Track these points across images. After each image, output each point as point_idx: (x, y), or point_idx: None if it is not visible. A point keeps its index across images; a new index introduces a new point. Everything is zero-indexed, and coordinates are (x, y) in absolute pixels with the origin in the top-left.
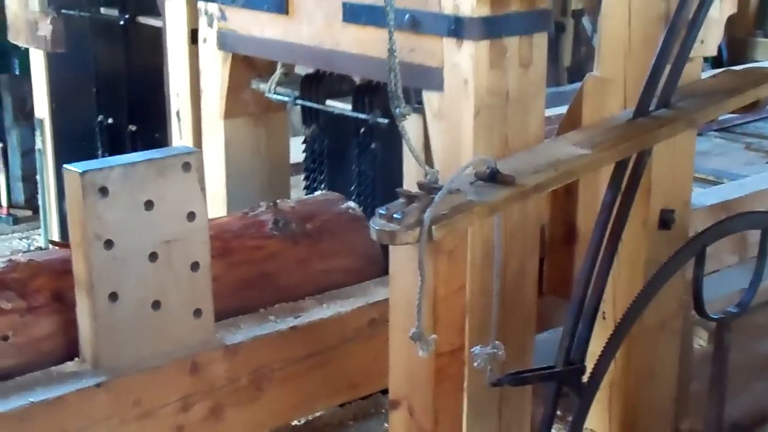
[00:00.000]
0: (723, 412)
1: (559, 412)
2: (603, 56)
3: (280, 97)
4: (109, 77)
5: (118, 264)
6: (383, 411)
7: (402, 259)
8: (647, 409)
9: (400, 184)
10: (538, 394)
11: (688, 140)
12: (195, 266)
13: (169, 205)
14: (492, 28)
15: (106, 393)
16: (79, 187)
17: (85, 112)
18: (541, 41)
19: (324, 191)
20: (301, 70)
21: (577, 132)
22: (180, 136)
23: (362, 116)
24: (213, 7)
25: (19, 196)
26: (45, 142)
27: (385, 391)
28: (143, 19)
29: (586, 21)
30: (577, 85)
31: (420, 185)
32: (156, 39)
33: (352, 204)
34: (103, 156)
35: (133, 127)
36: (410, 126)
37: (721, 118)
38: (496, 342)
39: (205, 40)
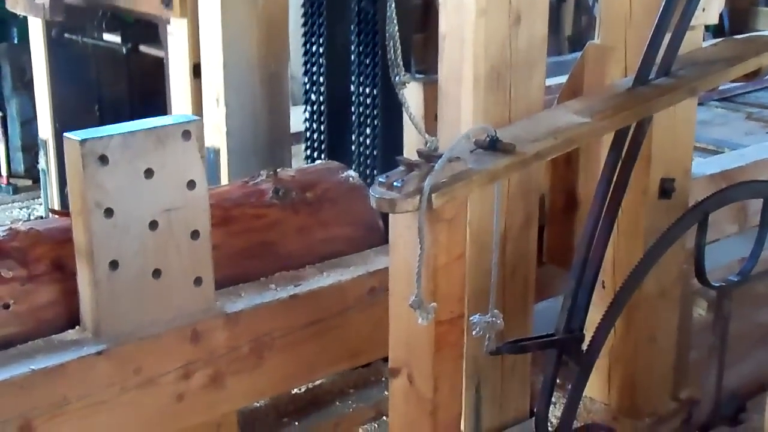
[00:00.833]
0: (722, 380)
1: (558, 381)
2: (604, 24)
3: None
4: (111, 103)
5: (119, 232)
6: (383, 379)
7: (402, 227)
8: (646, 378)
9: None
10: (537, 363)
11: (688, 109)
12: (195, 234)
13: (169, 174)
14: None
15: (106, 361)
16: (79, 155)
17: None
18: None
19: (324, 160)
20: None
21: (578, 100)
22: None
23: None
24: None
25: (19, 166)
26: (49, 163)
27: (385, 359)
28: (145, 49)
29: None
30: (578, 54)
31: (420, 153)
32: (158, 67)
33: (352, 173)
34: None
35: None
36: (410, 94)
37: (722, 87)
38: (495, 310)
39: None
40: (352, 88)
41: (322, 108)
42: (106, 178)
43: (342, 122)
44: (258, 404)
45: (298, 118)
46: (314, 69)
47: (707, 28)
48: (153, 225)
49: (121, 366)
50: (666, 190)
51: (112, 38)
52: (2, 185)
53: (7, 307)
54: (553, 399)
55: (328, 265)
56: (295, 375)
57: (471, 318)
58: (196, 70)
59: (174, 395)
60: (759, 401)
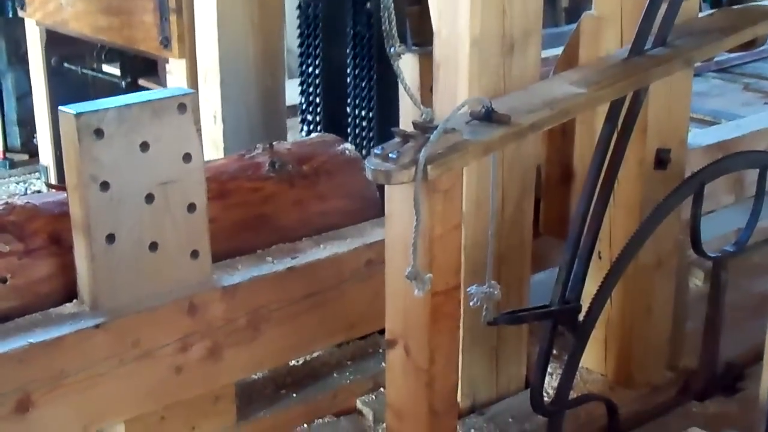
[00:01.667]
0: (718, 350)
1: (555, 351)
2: None
3: None
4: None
5: (115, 206)
6: (381, 351)
7: (397, 198)
8: (643, 348)
9: None
10: (534, 334)
11: (684, 79)
12: (191, 207)
13: (164, 147)
14: None
15: (104, 334)
16: (74, 129)
17: None
18: None
19: (320, 133)
20: None
21: (573, 71)
22: None
23: None
24: None
25: (15, 140)
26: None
27: (382, 331)
28: (144, 82)
29: None
30: (574, 25)
31: (415, 124)
32: None
33: (348, 145)
34: None
35: None
36: (405, 66)
37: (719, 58)
38: (492, 281)
39: None
40: (348, 60)
41: (318, 81)
42: (102, 152)
43: (338, 95)
44: (256, 376)
45: (293, 91)
46: (309, 41)
47: None
48: (149, 198)
49: (119, 339)
50: (662, 160)
51: (112, 70)
52: None
53: (4, 281)
54: (550, 370)
55: (325, 237)
56: (293, 347)
57: (468, 289)
58: None
59: (172, 368)
60: (755, 371)
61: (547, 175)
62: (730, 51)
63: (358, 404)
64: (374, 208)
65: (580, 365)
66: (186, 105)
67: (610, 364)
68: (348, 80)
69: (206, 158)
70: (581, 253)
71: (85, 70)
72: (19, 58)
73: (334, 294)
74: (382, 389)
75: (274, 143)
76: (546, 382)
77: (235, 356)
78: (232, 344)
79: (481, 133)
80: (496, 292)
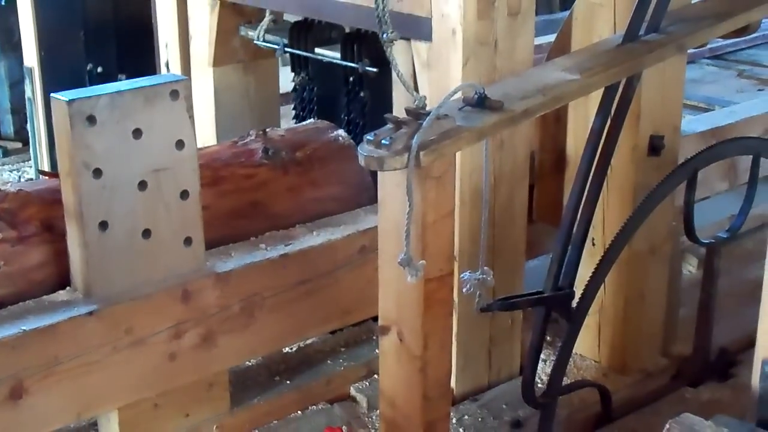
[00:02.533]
0: (711, 336)
1: (548, 338)
2: None
3: (268, 45)
4: (97, 26)
5: (108, 193)
6: (374, 337)
7: (390, 185)
8: (636, 334)
9: None
10: (528, 321)
11: (677, 65)
12: (184, 194)
13: (157, 134)
14: None
15: (98, 321)
16: (67, 115)
17: (74, 60)
18: None
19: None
20: (290, 17)
21: (566, 57)
22: None
23: (351, 65)
24: None
25: (9, 128)
26: (35, 91)
27: (376, 318)
28: None
29: None
30: (567, 12)
31: (408, 111)
32: None
33: (342, 132)
34: None
35: (122, 76)
36: (399, 53)
37: (713, 45)
38: (485, 268)
39: None
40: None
41: (311, 67)
42: (94, 139)
43: (331, 82)
44: (249, 363)
45: (287, 79)
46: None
47: None
48: (142, 185)
49: (113, 326)
50: (655, 147)
51: None
52: None
53: None
54: (543, 357)
55: (319, 224)
56: (287, 334)
57: (461, 275)
58: None
59: (165, 355)
60: (747, 357)
61: (541, 161)
62: (724, 37)
63: (352, 391)
64: (368, 195)
65: (573, 352)
66: (179, 92)
67: (604, 351)
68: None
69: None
70: (574, 240)
71: None
72: (12, 45)
73: (327, 281)
74: (375, 376)
75: (267, 130)
76: (539, 368)
77: (228, 343)
78: (225, 331)
79: (474, 120)
80: (489, 279)
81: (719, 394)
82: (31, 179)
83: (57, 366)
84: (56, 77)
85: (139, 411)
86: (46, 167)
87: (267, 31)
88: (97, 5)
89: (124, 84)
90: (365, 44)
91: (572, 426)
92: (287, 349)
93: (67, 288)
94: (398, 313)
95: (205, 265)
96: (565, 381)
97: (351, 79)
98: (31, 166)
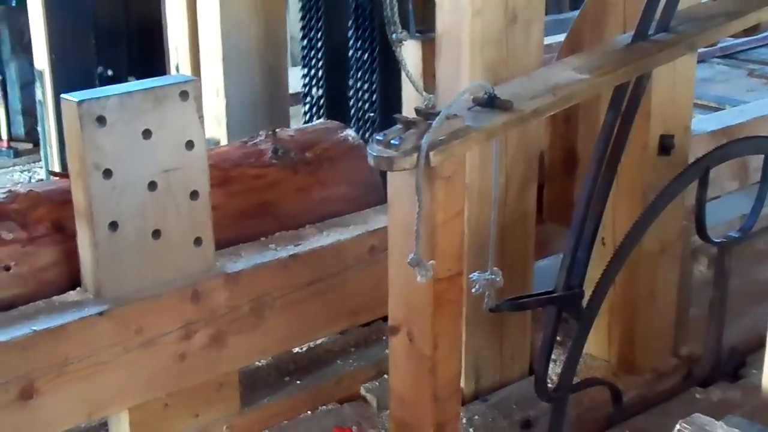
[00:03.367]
0: (722, 336)
1: (558, 338)
2: None
3: None
4: (108, 28)
5: (118, 193)
6: (384, 337)
7: (400, 185)
8: (647, 334)
9: None
10: (538, 321)
11: (688, 64)
12: (194, 195)
13: (167, 134)
14: None
15: (108, 321)
16: (77, 116)
17: (84, 63)
18: None
19: (323, 120)
20: None
21: (576, 57)
22: None
23: None
24: None
25: (19, 129)
26: (45, 94)
27: (386, 318)
28: None
29: None
30: (577, 11)
31: (417, 111)
32: None
33: (351, 132)
34: None
35: (132, 79)
36: (408, 52)
37: (724, 44)
38: (495, 268)
39: None
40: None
41: (321, 67)
42: (104, 139)
43: (340, 82)
44: (259, 363)
45: (296, 79)
46: (312, 26)
47: None
48: (152, 186)
49: (123, 326)
50: (665, 146)
51: None
52: (2, 149)
53: (7, 269)
54: (554, 357)
55: (328, 224)
56: (296, 334)
57: (470, 275)
58: None
59: (175, 355)
60: (758, 357)
61: (550, 161)
62: (734, 36)
63: (362, 391)
64: (377, 195)
65: (583, 351)
66: (188, 92)
67: (614, 351)
68: (351, 64)
69: (209, 135)
70: (585, 239)
71: None
72: (22, 47)
73: (337, 281)
74: (385, 376)
75: (276, 130)
76: (550, 369)
77: (238, 343)
78: (235, 331)
79: (483, 119)
80: (498, 279)
81: (730, 394)
82: (42, 180)
83: (67, 366)
84: (67, 80)
85: (149, 411)
86: (57, 168)
87: None
88: (108, 8)
89: (133, 85)
90: None
91: (582, 425)
92: (297, 349)
93: (78, 288)
94: (408, 313)
95: (215, 266)
96: (575, 381)
97: None
98: (41, 167)
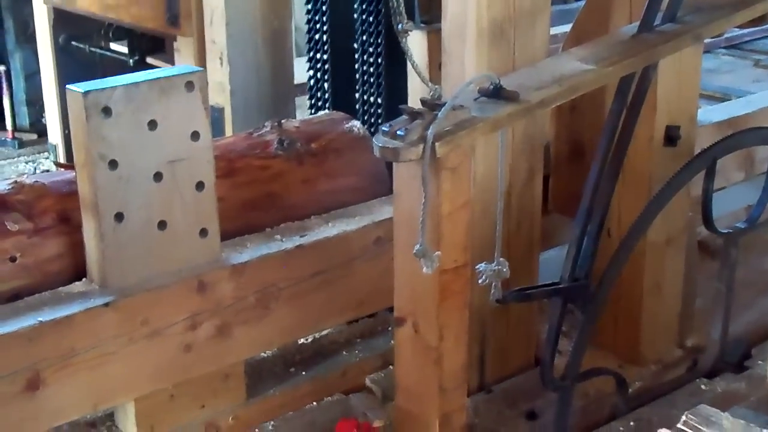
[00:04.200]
0: (728, 327)
1: (564, 329)
2: None
3: None
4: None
5: (123, 184)
6: (390, 328)
7: (406, 176)
8: (652, 326)
9: None
10: (544, 312)
11: (693, 55)
12: (200, 186)
13: (172, 125)
14: None
15: (114, 312)
16: (82, 107)
17: None
18: None
19: (328, 111)
20: None
21: (582, 47)
22: None
23: None
24: None
25: (24, 120)
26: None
27: (391, 309)
28: (152, 60)
29: None
30: (583, 2)
31: (423, 102)
32: None
33: (357, 123)
34: None
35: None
36: (414, 43)
37: (729, 35)
38: (501, 259)
39: None
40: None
41: (326, 58)
42: (110, 130)
43: (346, 73)
44: (265, 354)
45: (302, 69)
46: (317, 17)
47: None
48: (157, 176)
49: (129, 317)
50: (671, 137)
51: (120, 48)
52: (7, 139)
53: (13, 260)
54: (559, 348)
55: (334, 215)
56: (302, 325)
57: (477, 267)
58: None
59: (181, 346)
60: (764, 348)
61: (556, 152)
62: (740, 26)
63: (368, 382)
64: (383, 186)
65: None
66: (194, 83)
67: (620, 342)
68: (356, 56)
69: (212, 102)
70: (590, 231)
71: (93, 49)
72: (27, 37)
73: (342, 272)
74: (391, 367)
75: (282, 121)
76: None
77: (244, 334)
78: (241, 322)
79: (489, 110)
80: (504, 270)
81: (735, 385)
82: (47, 171)
83: (73, 357)
84: None
85: (155, 402)
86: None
87: None
88: (117, 66)
89: (139, 75)
90: None
91: (588, 416)
92: (303, 340)
93: (83, 279)
94: (414, 304)
95: (220, 257)
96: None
97: None
98: (46, 158)
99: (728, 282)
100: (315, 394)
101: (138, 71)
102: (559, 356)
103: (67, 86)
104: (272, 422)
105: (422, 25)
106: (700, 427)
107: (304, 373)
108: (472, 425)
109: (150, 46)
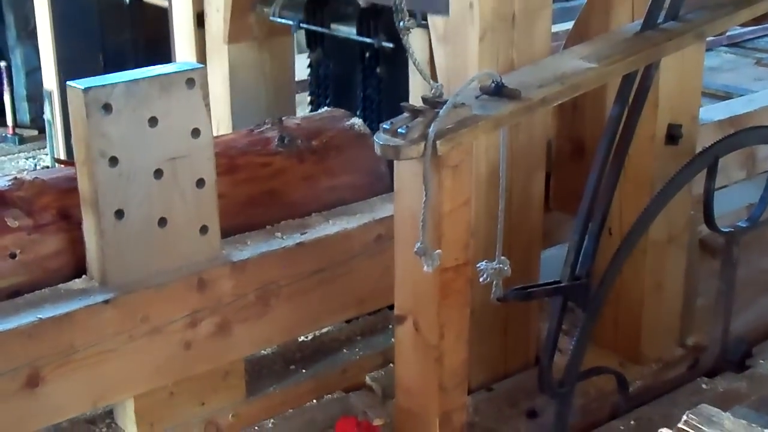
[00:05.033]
0: (729, 326)
1: (565, 327)
2: None
3: (284, 21)
4: (116, 54)
5: (124, 181)
6: (390, 326)
7: (407, 174)
8: (653, 325)
9: None
10: (544, 310)
11: (696, 53)
12: (200, 183)
13: (173, 122)
14: None
15: (114, 309)
16: (83, 103)
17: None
18: None
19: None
20: None
21: (584, 45)
22: None
23: (367, 40)
24: None
25: (25, 116)
26: (54, 115)
27: (392, 307)
28: None
29: None
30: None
31: (425, 100)
32: (161, 16)
33: (357, 120)
34: None
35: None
36: (415, 41)
37: (731, 33)
38: (502, 257)
39: None
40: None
41: (327, 54)
42: (110, 127)
43: (347, 70)
44: (265, 352)
45: (302, 66)
46: (320, 101)
47: None
48: (158, 173)
49: (128, 314)
50: (673, 136)
51: None
52: (8, 135)
53: (13, 256)
54: (560, 347)
55: (334, 212)
56: (302, 323)
57: (478, 265)
58: (200, 19)
59: (181, 343)
60: (765, 347)
61: (558, 150)
62: (743, 25)
63: (368, 380)
64: (384, 183)
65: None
66: (195, 80)
67: (621, 340)
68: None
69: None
70: (592, 229)
71: None
72: (28, 33)
73: (343, 269)
74: (391, 365)
75: (283, 118)
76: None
77: (244, 332)
78: (241, 320)
79: (491, 108)
80: (505, 268)
81: (736, 384)
82: (47, 167)
83: (73, 354)
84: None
85: (154, 399)
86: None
87: (282, 7)
88: (116, 35)
89: (140, 72)
90: (381, 19)
91: (588, 415)
92: (303, 337)
93: (83, 276)
94: (414, 303)
95: (221, 254)
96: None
97: (367, 55)
98: (47, 154)
99: (729, 281)
100: (315, 392)
101: (134, 9)
102: (560, 355)
103: (68, 83)
104: (272, 420)
105: (424, 22)
106: (701, 426)
107: (304, 370)
108: (472, 423)
109: None
